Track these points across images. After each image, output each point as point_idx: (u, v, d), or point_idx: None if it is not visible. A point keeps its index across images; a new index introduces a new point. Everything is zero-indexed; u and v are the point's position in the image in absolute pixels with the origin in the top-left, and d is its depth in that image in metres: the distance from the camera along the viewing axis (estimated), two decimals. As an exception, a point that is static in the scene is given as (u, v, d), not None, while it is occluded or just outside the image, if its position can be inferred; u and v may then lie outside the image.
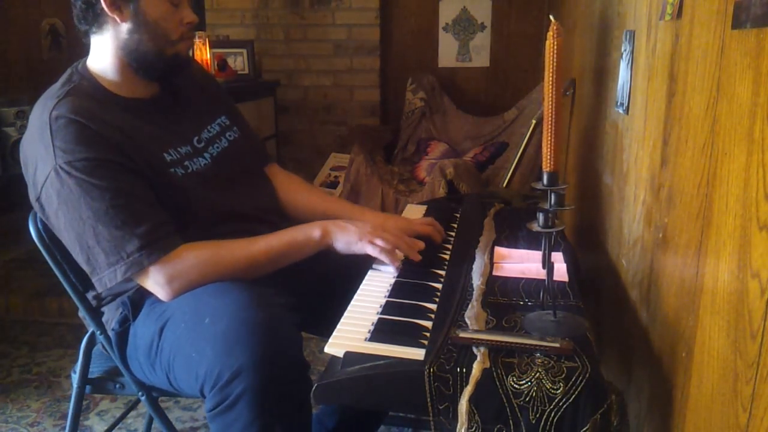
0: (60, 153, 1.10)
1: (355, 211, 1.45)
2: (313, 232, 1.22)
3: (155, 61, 1.22)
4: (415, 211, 1.57)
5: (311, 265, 1.25)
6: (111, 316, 1.26)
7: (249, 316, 1.05)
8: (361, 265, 1.21)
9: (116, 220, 1.11)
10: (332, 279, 1.28)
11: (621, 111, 1.32)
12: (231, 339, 1.02)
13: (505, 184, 2.19)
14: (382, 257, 1.18)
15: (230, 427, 1.04)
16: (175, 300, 1.15)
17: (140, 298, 1.21)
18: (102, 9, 1.17)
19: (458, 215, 1.53)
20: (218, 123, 1.38)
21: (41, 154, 1.13)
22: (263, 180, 1.47)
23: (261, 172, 1.48)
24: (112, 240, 1.11)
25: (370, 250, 1.19)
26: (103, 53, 1.23)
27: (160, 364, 1.15)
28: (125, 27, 1.19)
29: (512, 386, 0.82)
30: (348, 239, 1.21)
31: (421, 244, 1.25)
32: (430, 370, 0.85)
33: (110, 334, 1.25)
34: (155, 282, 1.15)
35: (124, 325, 1.22)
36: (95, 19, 1.19)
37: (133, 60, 1.22)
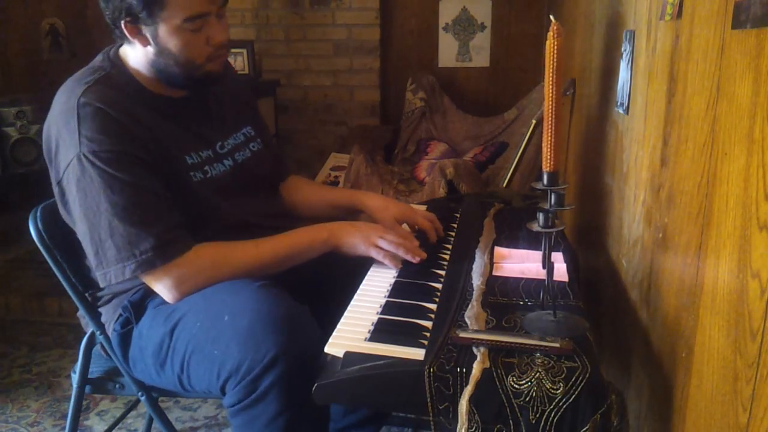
0: (85, 141, 1.10)
1: (359, 195, 1.48)
2: (319, 234, 1.23)
3: (183, 81, 1.21)
4: (415, 211, 1.57)
5: (310, 267, 1.25)
6: (109, 317, 1.26)
7: (271, 310, 1.06)
8: (361, 266, 1.21)
9: (134, 217, 1.10)
10: (332, 279, 1.28)
11: (621, 111, 1.32)
12: (257, 333, 1.03)
13: (505, 184, 2.19)
14: (386, 262, 1.19)
15: (256, 420, 1.05)
16: (182, 301, 1.15)
17: (142, 300, 1.21)
18: (124, 33, 1.16)
19: (458, 215, 1.53)
20: (243, 133, 1.37)
21: (65, 139, 1.12)
22: (278, 191, 1.48)
23: (277, 184, 1.48)
24: (127, 236, 1.10)
25: (374, 254, 1.20)
26: (134, 57, 1.22)
27: (171, 365, 1.15)
28: (150, 50, 1.18)
29: (512, 386, 0.82)
30: (353, 242, 1.21)
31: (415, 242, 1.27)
32: (430, 370, 0.85)
33: (111, 336, 1.25)
34: (163, 284, 1.15)
35: (126, 327, 1.22)
36: (122, 37, 1.19)
37: (161, 77, 1.21)
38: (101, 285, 1.18)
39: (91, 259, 1.16)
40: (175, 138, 1.21)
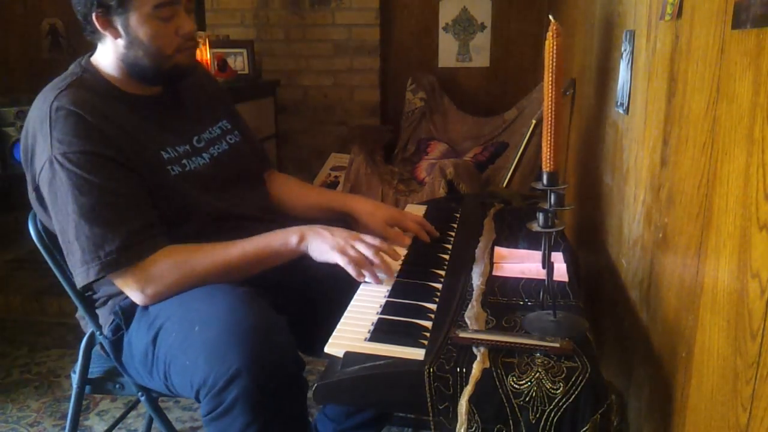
0: (56, 144, 1.10)
1: (348, 199, 1.47)
2: (290, 237, 1.18)
3: (154, 74, 1.23)
4: (415, 211, 1.57)
5: (299, 276, 1.24)
6: (104, 320, 1.26)
7: (239, 321, 1.04)
8: (351, 282, 1.15)
9: (100, 219, 1.10)
10: (321, 289, 1.27)
11: (621, 111, 1.32)
12: (222, 346, 1.02)
13: (505, 184, 2.19)
14: (349, 269, 1.12)
15: (227, 430, 1.03)
16: (164, 307, 1.15)
17: (132, 307, 1.20)
18: (96, 26, 1.18)
19: (458, 215, 1.53)
20: (219, 126, 1.38)
21: (39, 144, 1.13)
22: (262, 184, 1.47)
23: (260, 176, 1.48)
24: (92, 237, 1.10)
25: (339, 260, 1.13)
26: (107, 56, 1.23)
27: (157, 372, 1.15)
28: (120, 43, 1.19)
29: (512, 386, 0.82)
30: (321, 247, 1.15)
31: (407, 241, 1.27)
32: (430, 370, 0.85)
33: (104, 341, 1.25)
34: (129, 286, 1.14)
35: (118, 333, 1.22)
36: (93, 32, 1.20)
37: (132, 71, 1.22)
38: (78, 286, 1.17)
39: (67, 261, 1.16)
40: (150, 135, 1.22)
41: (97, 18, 1.16)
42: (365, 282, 1.13)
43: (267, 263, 1.19)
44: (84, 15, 1.18)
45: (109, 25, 1.17)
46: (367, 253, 1.13)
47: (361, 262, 1.12)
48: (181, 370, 1.08)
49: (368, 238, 1.17)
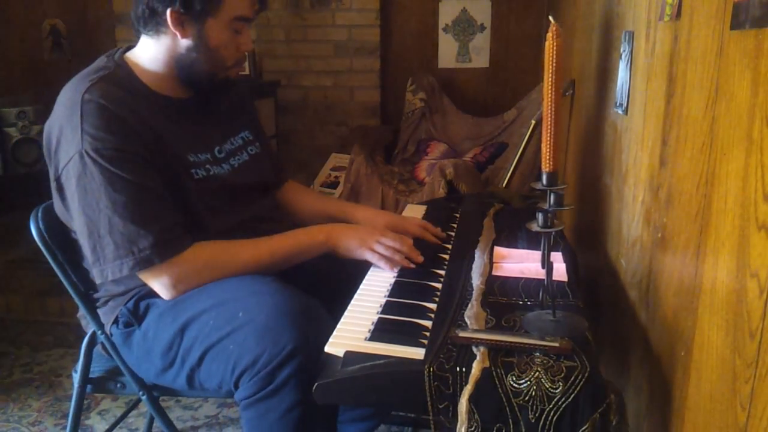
0: (88, 138, 1.10)
1: (348, 207, 1.51)
2: (317, 235, 1.24)
3: (204, 80, 1.24)
4: (415, 211, 1.58)
5: (320, 262, 1.26)
6: (106, 320, 1.26)
7: (289, 304, 1.07)
8: (359, 268, 1.22)
9: (134, 215, 1.11)
10: (341, 274, 1.29)
11: (620, 111, 1.32)
12: (275, 328, 1.04)
13: (504, 185, 2.20)
14: (381, 264, 1.20)
15: (269, 413, 1.06)
16: (189, 300, 1.16)
17: (136, 307, 1.21)
18: (165, 21, 1.17)
19: (458, 215, 1.54)
20: (241, 136, 1.38)
21: (67, 135, 1.13)
22: (274, 193, 1.49)
23: (275, 187, 1.49)
24: (126, 234, 1.11)
25: (369, 257, 1.21)
26: (152, 53, 1.22)
27: (182, 362, 1.15)
28: (184, 43, 1.19)
29: (512, 385, 0.83)
30: (349, 245, 1.23)
31: (409, 242, 1.27)
32: (429, 370, 0.85)
33: (113, 336, 1.25)
34: (161, 282, 1.15)
35: (128, 328, 1.22)
36: (155, 27, 1.19)
37: (182, 73, 1.23)
38: (98, 281, 1.18)
39: (88, 256, 1.16)
40: (177, 137, 1.22)
41: (171, 14, 1.15)
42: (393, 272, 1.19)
43: (293, 261, 1.24)
44: (154, 8, 1.17)
45: (180, 25, 1.17)
46: (387, 253, 1.21)
47: (389, 258, 1.20)
48: (221, 354, 1.09)
49: (387, 240, 1.23)
